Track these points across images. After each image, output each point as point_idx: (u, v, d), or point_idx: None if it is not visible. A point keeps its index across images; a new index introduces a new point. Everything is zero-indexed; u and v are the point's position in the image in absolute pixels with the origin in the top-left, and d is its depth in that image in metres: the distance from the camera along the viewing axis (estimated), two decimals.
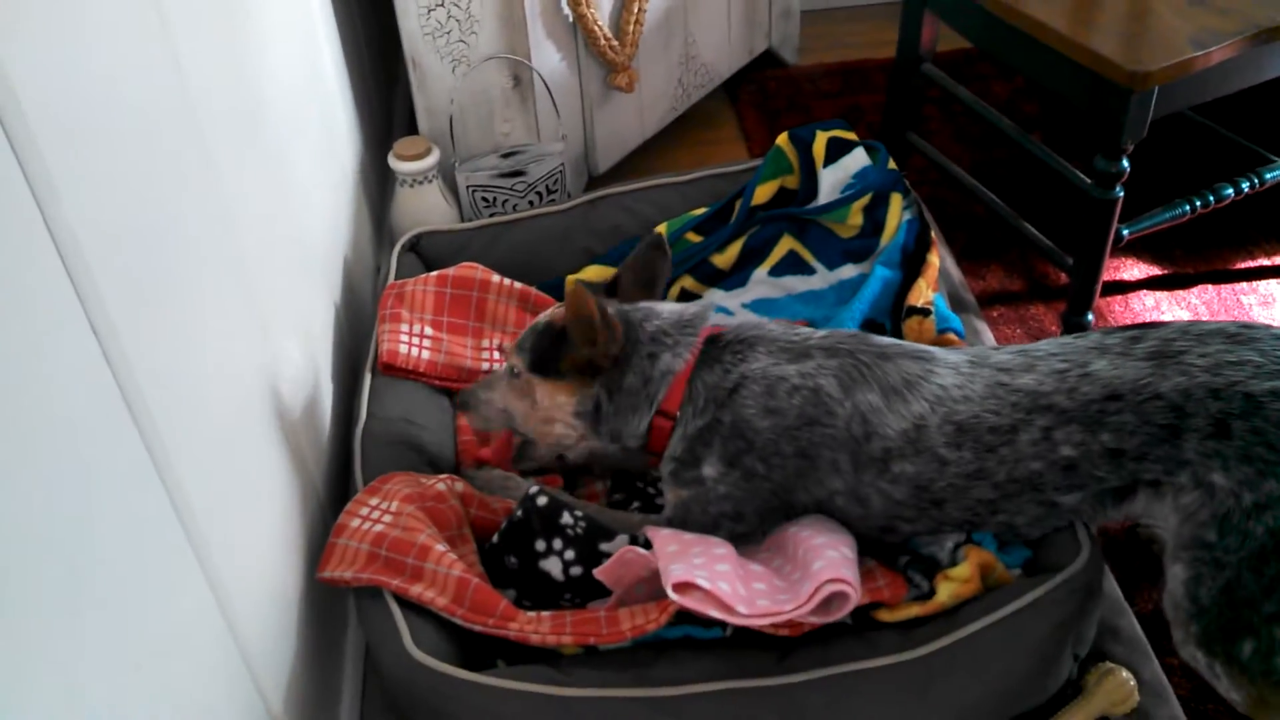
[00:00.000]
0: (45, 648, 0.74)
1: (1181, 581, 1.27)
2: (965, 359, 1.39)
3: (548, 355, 1.44)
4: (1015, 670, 1.28)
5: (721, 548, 1.34)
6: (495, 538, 1.42)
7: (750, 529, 1.42)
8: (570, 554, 1.37)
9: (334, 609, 1.55)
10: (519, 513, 1.39)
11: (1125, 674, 1.36)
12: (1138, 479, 1.30)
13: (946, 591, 1.32)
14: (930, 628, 1.29)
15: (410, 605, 1.31)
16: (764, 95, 2.95)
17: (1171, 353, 1.29)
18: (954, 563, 1.35)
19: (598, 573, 1.33)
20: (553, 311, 1.48)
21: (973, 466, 1.32)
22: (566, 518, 1.38)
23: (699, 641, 1.32)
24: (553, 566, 1.37)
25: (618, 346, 1.42)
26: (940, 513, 1.36)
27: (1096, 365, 1.31)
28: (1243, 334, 1.30)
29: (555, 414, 1.47)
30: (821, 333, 1.45)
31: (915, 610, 1.32)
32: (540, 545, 1.38)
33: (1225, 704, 1.45)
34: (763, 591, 1.28)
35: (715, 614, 1.23)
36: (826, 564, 1.26)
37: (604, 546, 1.37)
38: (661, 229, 1.97)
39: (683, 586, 1.23)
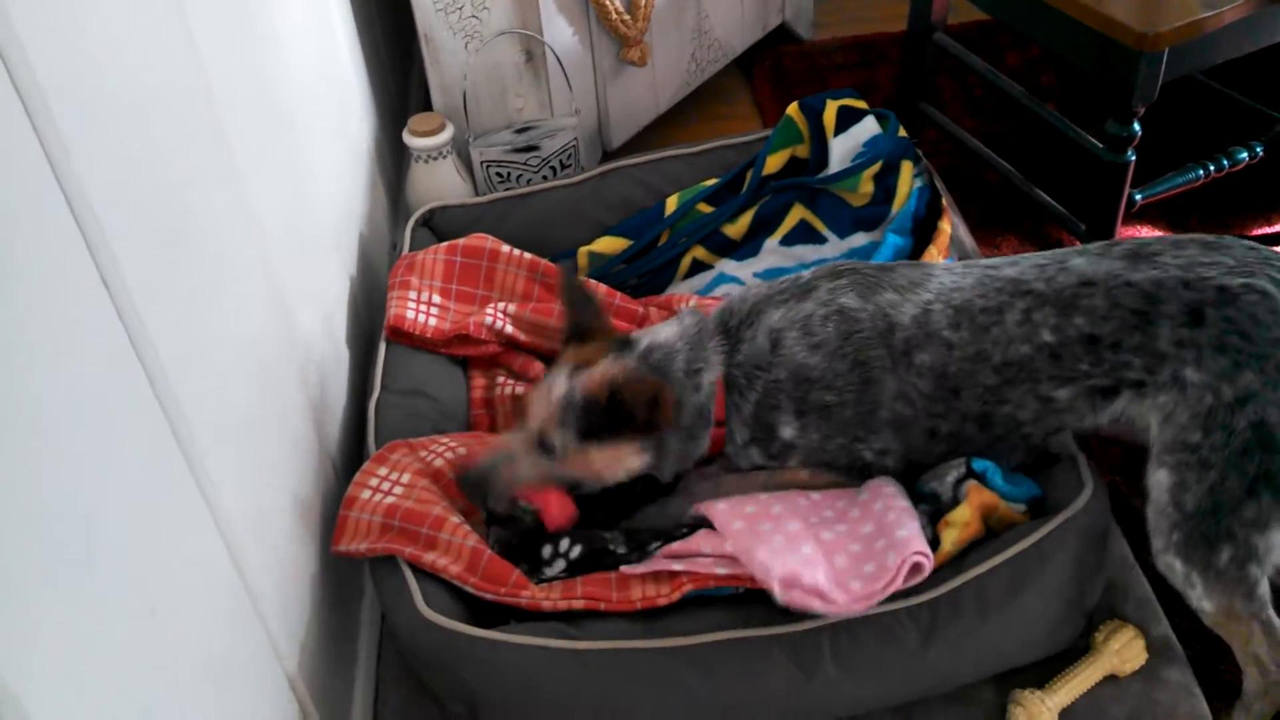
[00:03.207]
0: (57, 597, 0.76)
1: (1166, 489, 1.30)
2: (960, 265, 1.51)
3: (601, 425, 1.40)
4: (1021, 614, 1.30)
5: (793, 520, 1.34)
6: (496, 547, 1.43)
7: (886, 444, 1.45)
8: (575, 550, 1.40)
9: (350, 575, 1.57)
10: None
11: (1134, 632, 1.36)
12: (1121, 378, 1.34)
13: (949, 539, 1.34)
14: (935, 574, 1.31)
15: (423, 572, 1.33)
16: (779, 70, 2.94)
17: (1146, 253, 1.37)
18: (956, 500, 1.38)
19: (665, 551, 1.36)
20: (579, 383, 1.42)
21: (972, 349, 1.39)
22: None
23: (709, 596, 1.35)
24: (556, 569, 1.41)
25: (674, 403, 1.40)
26: (960, 403, 1.41)
27: (1074, 262, 1.40)
28: (1217, 243, 1.36)
29: (616, 470, 1.45)
30: (809, 272, 1.52)
31: None
32: (546, 552, 1.40)
33: (1234, 666, 1.45)
34: (846, 569, 1.29)
35: (817, 607, 1.24)
36: (910, 534, 1.29)
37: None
38: (672, 200, 1.98)
39: (789, 582, 1.24)
